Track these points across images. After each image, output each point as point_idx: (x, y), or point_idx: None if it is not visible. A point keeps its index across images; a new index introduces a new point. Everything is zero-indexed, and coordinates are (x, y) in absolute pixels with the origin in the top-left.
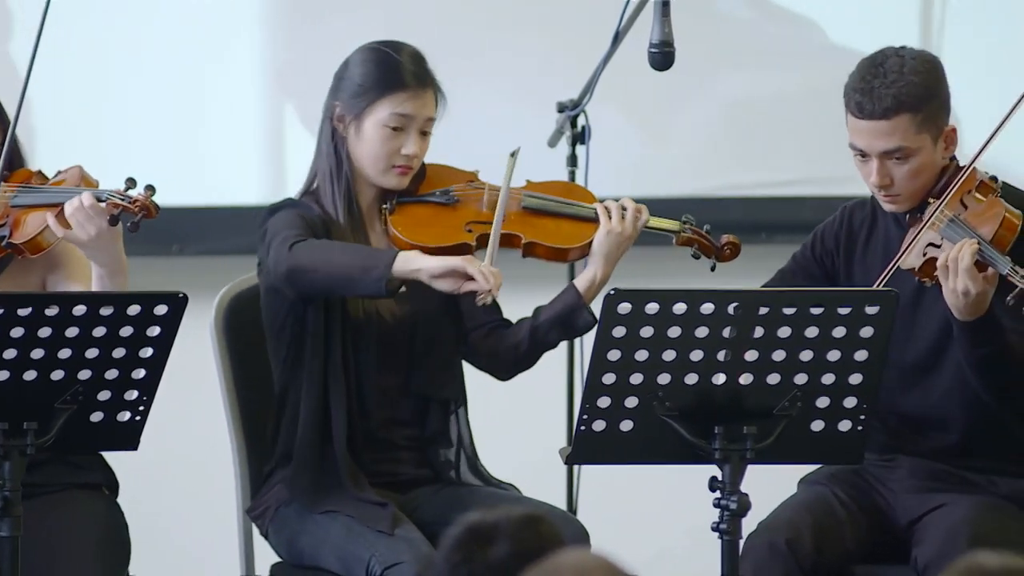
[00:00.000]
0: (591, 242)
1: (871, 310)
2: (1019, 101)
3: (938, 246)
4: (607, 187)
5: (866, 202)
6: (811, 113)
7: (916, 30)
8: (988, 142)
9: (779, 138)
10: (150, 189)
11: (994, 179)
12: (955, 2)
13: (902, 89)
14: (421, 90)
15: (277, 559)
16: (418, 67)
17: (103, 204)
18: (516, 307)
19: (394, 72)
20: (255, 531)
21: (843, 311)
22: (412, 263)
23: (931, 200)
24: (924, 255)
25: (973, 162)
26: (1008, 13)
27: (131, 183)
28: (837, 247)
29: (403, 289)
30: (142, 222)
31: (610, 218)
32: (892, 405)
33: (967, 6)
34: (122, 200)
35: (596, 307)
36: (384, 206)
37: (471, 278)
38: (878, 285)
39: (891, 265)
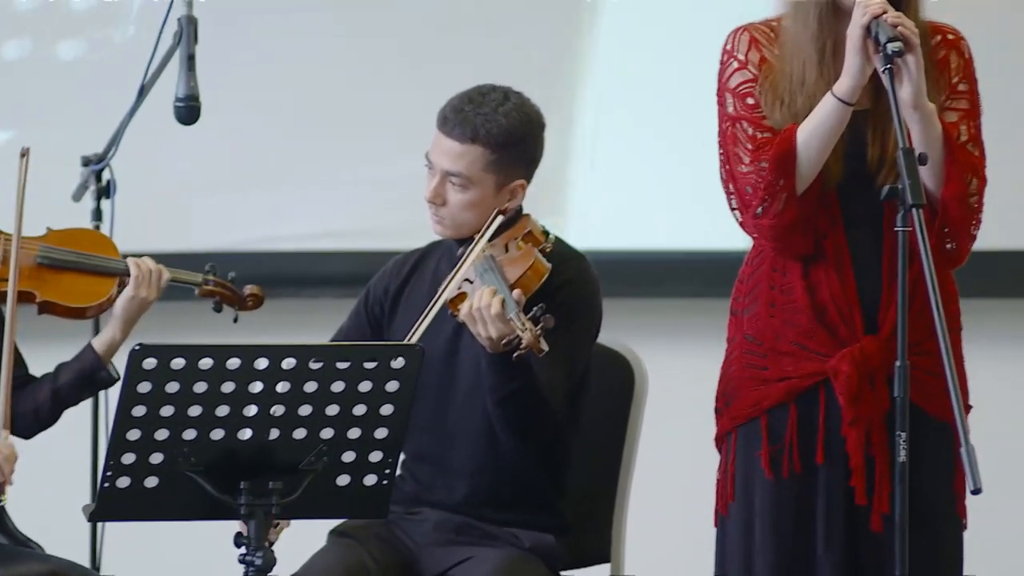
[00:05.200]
0: (111, 298)
1: (397, 364)
2: None
3: (471, 282)
4: (133, 242)
5: (419, 249)
6: (348, 168)
7: None
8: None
9: (313, 191)
10: None
11: (546, 233)
12: None
13: (487, 123)
14: None
15: None
16: None
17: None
18: (39, 360)
19: None
20: None
21: (369, 365)
22: None
23: (473, 236)
24: (459, 288)
25: (495, 214)
26: None
27: None
28: (386, 293)
29: None
30: None
31: (136, 284)
32: (424, 452)
33: None
34: None
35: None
36: None
37: None
38: (425, 315)
39: (436, 297)
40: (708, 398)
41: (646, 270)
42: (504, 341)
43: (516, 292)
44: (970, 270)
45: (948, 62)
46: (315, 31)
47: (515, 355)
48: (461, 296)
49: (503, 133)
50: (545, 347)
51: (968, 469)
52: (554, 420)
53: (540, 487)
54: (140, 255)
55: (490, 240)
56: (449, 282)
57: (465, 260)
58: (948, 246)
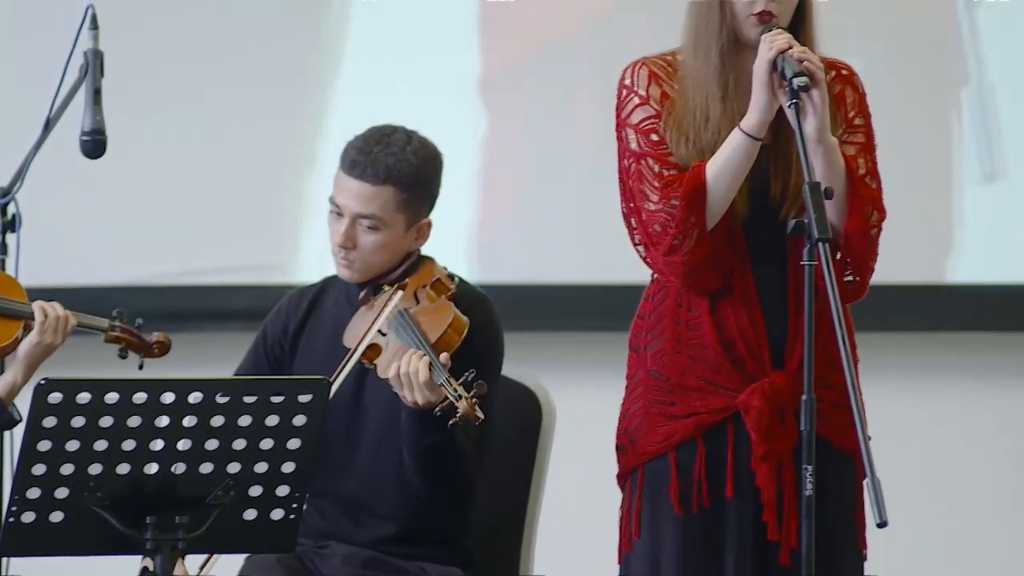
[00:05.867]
0: (16, 341)
1: (304, 398)
2: None
3: (384, 334)
4: (39, 276)
5: (314, 285)
6: (252, 201)
7: None
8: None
9: (210, 226)
10: None
11: (451, 276)
12: None
13: (399, 162)
14: None
15: None
16: None
17: None
18: None
19: None
20: None
21: (276, 399)
22: None
23: (386, 287)
24: (371, 340)
25: (395, 289)
26: None
27: None
28: (284, 333)
29: None
30: None
31: (41, 330)
32: (331, 490)
33: None
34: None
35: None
36: None
37: None
38: (342, 367)
39: (349, 355)
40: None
41: (554, 303)
42: (436, 410)
43: (444, 356)
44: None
45: (844, 97)
46: (212, 66)
47: (450, 423)
48: (375, 348)
49: (413, 172)
50: (481, 415)
51: (874, 502)
52: (468, 468)
53: (448, 522)
54: (46, 289)
55: (397, 288)
56: (363, 339)
57: (378, 318)
58: (849, 279)
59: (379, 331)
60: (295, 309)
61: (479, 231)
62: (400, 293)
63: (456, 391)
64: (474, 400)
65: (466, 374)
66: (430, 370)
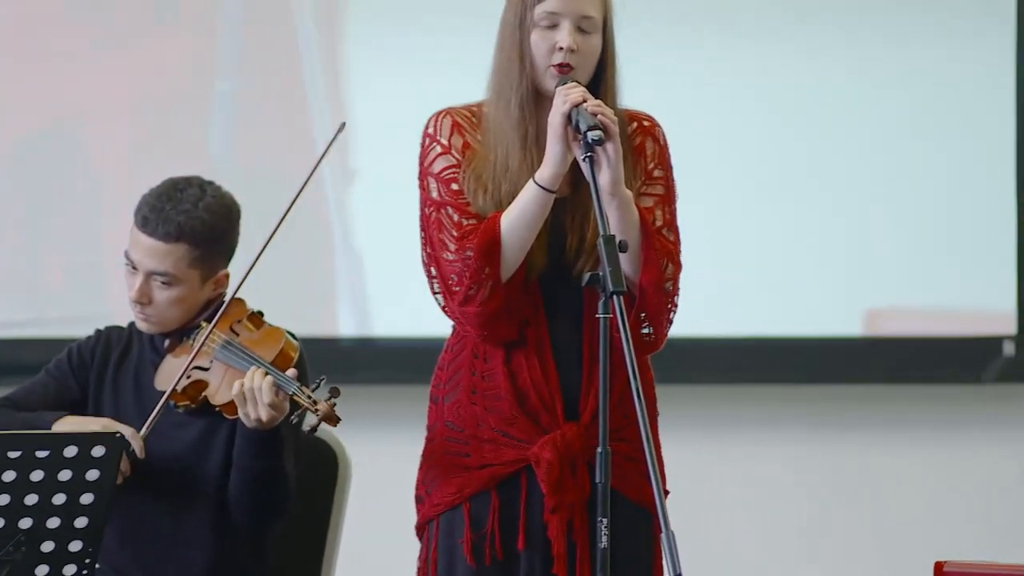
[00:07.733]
0: None
1: (97, 452)
2: (276, 229)
3: (206, 369)
4: None
5: (124, 327)
6: (42, 254)
7: None
8: (252, 267)
9: (14, 278)
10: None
11: (261, 313)
12: None
13: (191, 220)
14: None
15: None
16: None
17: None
18: None
19: None
20: None
21: (69, 453)
22: None
23: (203, 323)
24: (189, 377)
25: (237, 291)
26: None
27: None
28: (92, 361)
29: None
30: None
31: None
32: (127, 545)
33: None
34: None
35: None
36: None
37: None
38: (155, 415)
39: (168, 392)
40: (412, 485)
41: (349, 356)
42: (292, 418)
43: (291, 371)
44: (668, 356)
45: (644, 148)
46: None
47: (309, 429)
48: (198, 384)
49: (206, 229)
50: (340, 418)
51: (668, 555)
52: (292, 498)
53: (262, 560)
54: None
55: (213, 324)
56: (180, 377)
57: (195, 355)
58: (645, 331)
59: (199, 367)
60: (106, 344)
61: None
62: (215, 327)
63: (310, 398)
64: (334, 403)
65: (317, 380)
66: (275, 385)
